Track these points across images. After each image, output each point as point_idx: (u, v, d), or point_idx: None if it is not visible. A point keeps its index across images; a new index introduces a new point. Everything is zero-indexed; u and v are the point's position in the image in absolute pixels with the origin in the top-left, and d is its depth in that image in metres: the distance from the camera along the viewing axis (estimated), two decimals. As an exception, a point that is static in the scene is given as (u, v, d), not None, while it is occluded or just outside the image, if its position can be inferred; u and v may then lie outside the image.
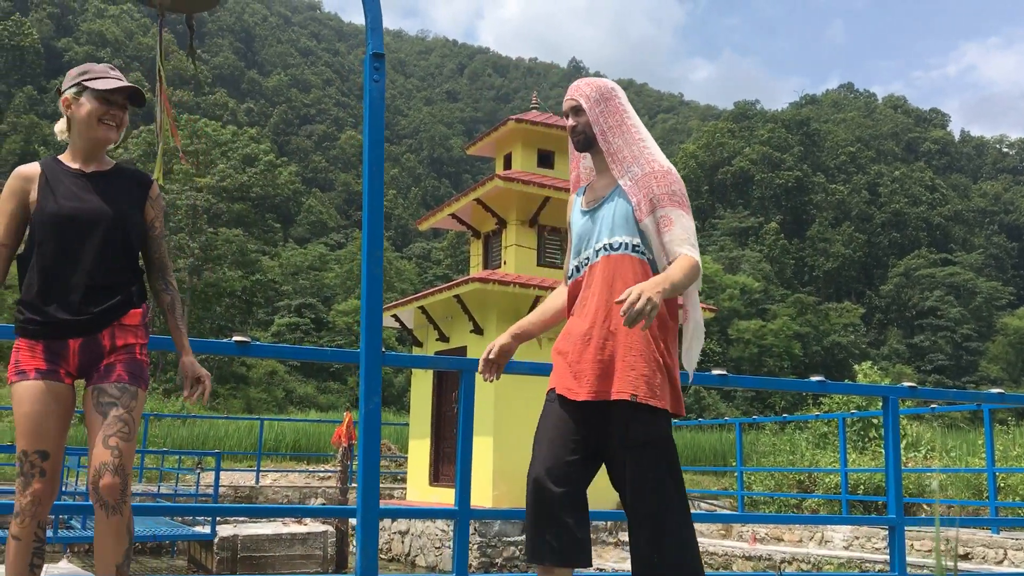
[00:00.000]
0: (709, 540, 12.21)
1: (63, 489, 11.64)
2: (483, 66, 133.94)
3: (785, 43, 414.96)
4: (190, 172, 43.52)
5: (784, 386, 5.20)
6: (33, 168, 2.87)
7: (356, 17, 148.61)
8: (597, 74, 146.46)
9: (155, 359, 37.87)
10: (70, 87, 2.90)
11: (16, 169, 2.85)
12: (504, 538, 12.83)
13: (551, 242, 15.91)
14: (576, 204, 3.22)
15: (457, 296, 14.41)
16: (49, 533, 8.88)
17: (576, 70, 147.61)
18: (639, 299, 2.64)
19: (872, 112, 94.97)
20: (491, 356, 3.15)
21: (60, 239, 2.78)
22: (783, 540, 12.51)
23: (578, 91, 3.14)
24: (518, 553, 12.74)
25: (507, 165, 16.53)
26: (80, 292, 2.78)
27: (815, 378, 5.10)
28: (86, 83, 2.87)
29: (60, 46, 75.93)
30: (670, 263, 2.92)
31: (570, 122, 3.14)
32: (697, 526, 12.78)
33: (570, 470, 2.86)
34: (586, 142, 3.12)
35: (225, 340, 3.61)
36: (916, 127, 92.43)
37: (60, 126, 2.96)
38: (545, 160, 16.70)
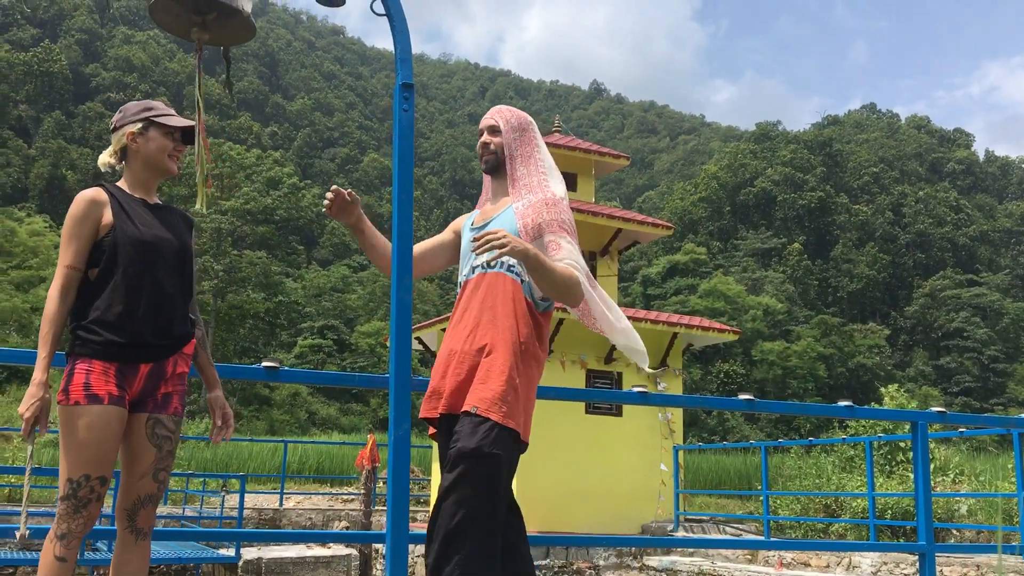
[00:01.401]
0: (735, 565, 12.09)
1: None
2: (505, 88, 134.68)
3: (807, 64, 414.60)
4: (215, 195, 43.97)
5: (812, 411, 5.17)
6: (100, 193, 2.91)
7: (379, 41, 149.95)
8: (619, 96, 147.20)
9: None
10: (134, 122, 2.98)
11: (81, 195, 2.89)
12: (528, 562, 12.77)
13: (574, 264, 15.89)
14: (468, 221, 3.28)
15: (480, 318, 14.41)
16: (76, 555, 8.94)
17: (597, 91, 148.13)
18: (501, 233, 2.70)
19: (895, 132, 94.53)
20: (348, 197, 3.12)
21: (144, 264, 2.84)
22: (810, 565, 12.37)
23: (500, 114, 3.21)
24: (542, 577, 12.67)
25: (530, 188, 16.55)
26: (165, 317, 2.87)
27: (843, 403, 5.06)
28: (154, 119, 2.98)
29: (88, 72, 77.09)
30: None
31: (484, 138, 3.19)
32: (723, 551, 12.71)
33: None
34: (495, 162, 3.17)
35: (255, 365, 3.64)
36: (940, 147, 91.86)
37: (107, 158, 3.03)
38: (568, 182, 16.72)
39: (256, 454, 24.22)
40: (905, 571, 10.97)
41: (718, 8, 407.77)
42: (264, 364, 3.58)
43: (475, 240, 2.72)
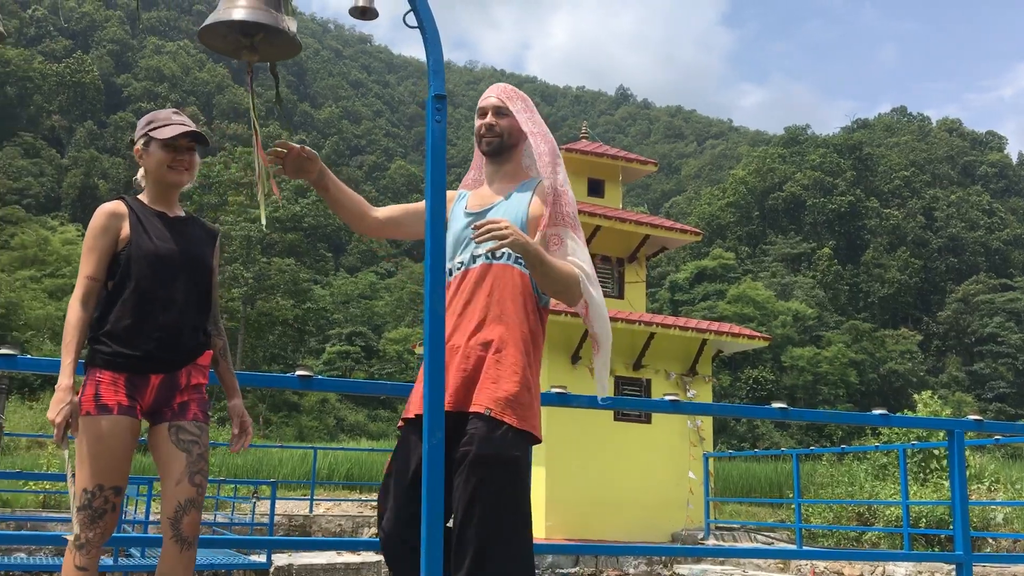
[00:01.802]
0: (767, 574, 11.98)
1: (122, 518, 11.79)
2: (530, 95, 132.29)
3: (836, 67, 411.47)
4: (245, 203, 44.34)
5: (846, 419, 5.12)
6: (120, 205, 2.96)
7: (405, 49, 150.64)
8: (645, 101, 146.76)
9: (209, 389, 38.54)
10: (138, 139, 3.03)
11: (102, 207, 2.94)
12: (557, 570, 12.73)
13: (603, 271, 15.86)
14: (459, 204, 3.07)
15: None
16: (109, 561, 9.03)
17: (624, 97, 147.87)
18: (503, 224, 2.56)
19: (926, 135, 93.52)
20: (304, 154, 3.00)
21: (156, 277, 2.88)
22: (843, 575, 12.23)
23: (504, 93, 3.03)
24: (571, 585, 12.63)
25: (557, 194, 16.54)
26: (174, 329, 2.89)
27: (877, 411, 4.99)
28: (151, 133, 3.00)
29: (119, 82, 78.13)
30: None
31: (489, 119, 3.00)
32: (754, 560, 12.60)
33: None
34: (500, 146, 3.00)
35: (288, 374, 3.70)
36: (972, 150, 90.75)
37: (140, 174, 3.09)
38: (595, 189, 16.70)
39: (286, 460, 24.35)
40: (940, 581, 10.81)
41: (746, 12, 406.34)
42: (297, 373, 3.62)
43: (474, 227, 2.59)
